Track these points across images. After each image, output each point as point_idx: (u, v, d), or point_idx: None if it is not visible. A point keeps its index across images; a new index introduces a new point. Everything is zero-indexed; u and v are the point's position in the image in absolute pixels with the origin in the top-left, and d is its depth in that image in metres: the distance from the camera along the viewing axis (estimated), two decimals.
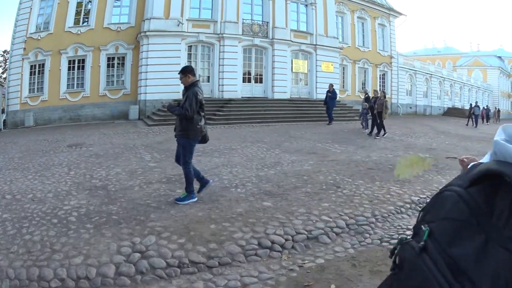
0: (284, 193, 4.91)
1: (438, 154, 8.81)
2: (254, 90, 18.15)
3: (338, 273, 2.86)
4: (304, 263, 3.01)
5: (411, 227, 3.45)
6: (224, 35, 16.97)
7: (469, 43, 55.06)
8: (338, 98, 16.95)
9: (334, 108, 15.61)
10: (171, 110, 4.44)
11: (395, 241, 2.81)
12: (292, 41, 18.79)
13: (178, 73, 4.42)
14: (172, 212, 4.03)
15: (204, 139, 4.51)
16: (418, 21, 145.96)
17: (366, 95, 14.47)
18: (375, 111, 11.88)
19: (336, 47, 20.50)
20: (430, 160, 1.07)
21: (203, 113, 4.42)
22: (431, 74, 31.22)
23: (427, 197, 4.95)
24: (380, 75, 25.21)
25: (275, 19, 18.27)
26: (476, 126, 21.49)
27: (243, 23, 17.66)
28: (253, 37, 17.78)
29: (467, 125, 21.66)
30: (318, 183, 5.41)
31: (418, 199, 4.83)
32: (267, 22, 18.28)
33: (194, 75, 4.43)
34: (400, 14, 26.57)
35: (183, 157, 4.34)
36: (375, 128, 11.97)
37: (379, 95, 12.37)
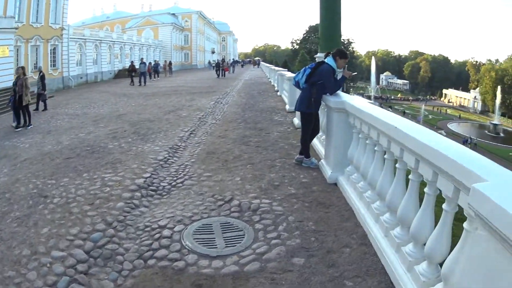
0: None
1: (131, 118, 9.83)
2: None
3: None
4: None
5: (163, 223, 3.42)
6: None
7: (141, 5, 61.66)
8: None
9: None
10: None
11: (161, 251, 3.08)
12: None
13: None
14: None
15: None
16: None
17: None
18: (17, 96, 9.74)
19: (12, 28, 18.59)
20: None
21: None
22: (101, 40, 32.40)
23: (151, 174, 4.87)
24: (51, 49, 24.21)
25: None
26: (144, 84, 22.87)
27: None
28: None
29: (131, 84, 23.04)
30: (23, 199, 4.23)
31: (145, 181, 4.58)
32: None
33: None
34: None
35: None
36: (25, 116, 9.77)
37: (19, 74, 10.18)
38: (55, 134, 8.34)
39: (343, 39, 52.46)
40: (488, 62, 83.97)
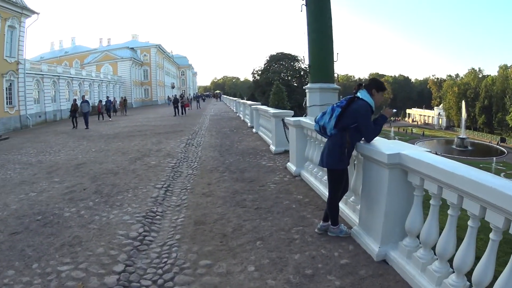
0: None
1: (92, 169, 8.21)
2: None
3: None
4: None
5: None
6: None
7: (99, 39, 60.49)
8: None
9: None
10: None
11: None
12: None
13: None
14: None
15: None
16: (50, 20, 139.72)
17: None
18: None
19: None
20: None
21: None
22: (59, 76, 31.05)
23: (126, 266, 3.49)
24: (6, 86, 22.32)
25: None
26: (87, 127, 19.18)
27: None
28: None
29: (74, 128, 19.60)
30: None
31: (118, 279, 3.25)
32: None
33: None
34: (33, 12, 23.97)
35: None
36: None
37: None
38: (2, 192, 6.54)
39: (305, 67, 52.45)
40: (449, 77, 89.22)
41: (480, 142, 63.96)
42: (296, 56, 49.31)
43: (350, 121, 3.51)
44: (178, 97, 29.40)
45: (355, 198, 4.21)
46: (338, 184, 3.74)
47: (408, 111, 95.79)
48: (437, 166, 2.60)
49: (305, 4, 7.07)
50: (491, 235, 2.17)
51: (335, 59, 7.28)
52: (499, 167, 42.33)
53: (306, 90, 7.57)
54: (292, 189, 5.82)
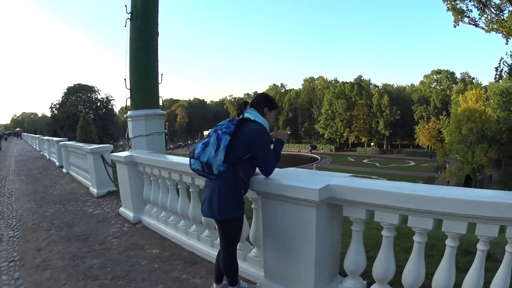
0: None
1: None
2: None
3: None
4: None
5: None
6: None
7: None
8: None
9: None
10: None
11: None
12: None
13: None
14: None
15: None
16: None
17: None
18: None
19: None
20: None
21: None
22: None
23: None
24: None
25: None
26: None
27: None
28: None
29: None
30: None
31: None
32: None
33: None
34: None
35: None
36: None
37: None
38: None
39: (102, 97, 49.84)
40: (246, 96, 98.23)
41: (287, 153, 69.85)
42: (93, 87, 48.01)
43: (243, 152, 2.61)
44: None
45: (257, 251, 3.34)
46: (236, 236, 2.81)
47: (205, 132, 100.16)
48: (379, 190, 2.31)
49: (129, 18, 5.97)
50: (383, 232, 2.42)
51: (159, 80, 6.46)
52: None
53: (128, 119, 6.38)
54: (140, 242, 4.56)
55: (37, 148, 24.44)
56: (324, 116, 78.35)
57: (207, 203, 2.67)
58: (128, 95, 6.26)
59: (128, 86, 6.24)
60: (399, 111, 71.77)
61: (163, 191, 4.68)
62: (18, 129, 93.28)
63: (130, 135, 6.22)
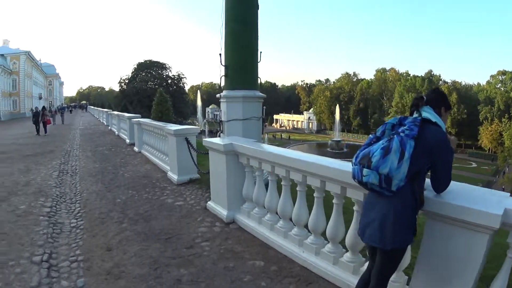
0: None
1: None
2: None
3: None
4: None
5: None
6: None
7: None
8: None
9: None
10: None
11: None
12: None
13: None
14: None
15: None
16: None
17: None
18: None
19: None
20: None
21: None
22: None
23: None
24: None
25: None
26: None
27: None
28: None
29: None
30: None
31: None
32: None
33: None
34: None
35: None
36: None
37: None
38: None
39: (173, 75, 48.44)
40: (318, 82, 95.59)
41: (355, 143, 65.81)
42: (164, 64, 46.93)
43: (425, 162, 1.99)
44: (39, 110, 20.22)
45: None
46: (397, 266, 2.16)
47: (275, 116, 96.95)
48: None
49: None
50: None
51: (258, 59, 5.65)
52: None
53: (222, 100, 5.66)
54: (238, 249, 3.81)
55: (104, 122, 25.21)
56: (394, 109, 75.07)
57: (377, 227, 2.03)
58: (223, 72, 5.53)
59: (223, 63, 5.51)
60: (465, 110, 66.90)
61: (271, 190, 3.86)
62: (84, 102, 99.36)
63: (223, 118, 5.53)
